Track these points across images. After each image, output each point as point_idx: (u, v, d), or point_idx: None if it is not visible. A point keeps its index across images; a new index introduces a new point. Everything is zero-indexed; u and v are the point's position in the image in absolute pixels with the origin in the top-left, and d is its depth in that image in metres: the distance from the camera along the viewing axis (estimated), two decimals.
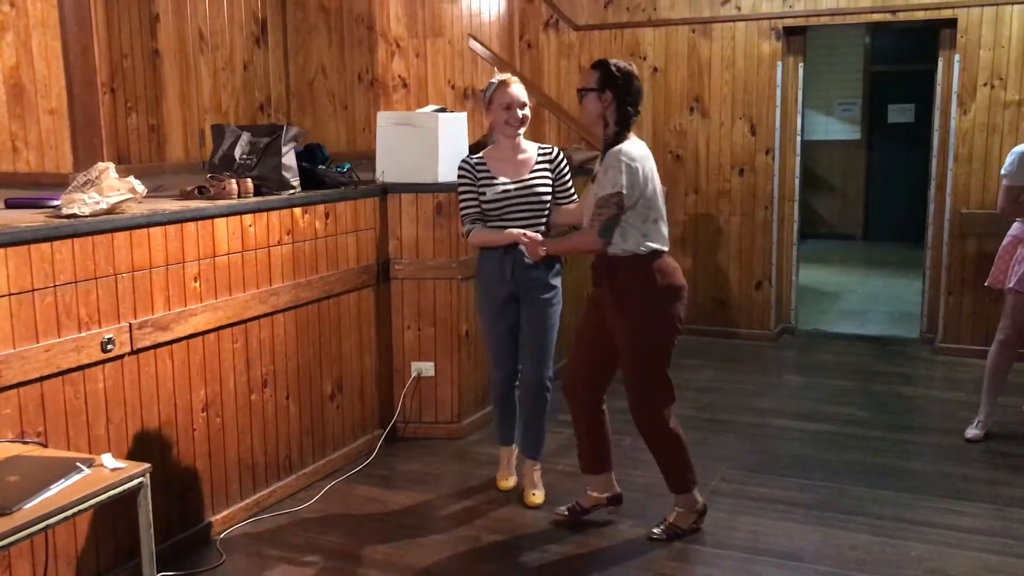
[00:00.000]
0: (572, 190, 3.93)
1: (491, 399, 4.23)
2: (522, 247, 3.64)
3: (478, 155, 3.88)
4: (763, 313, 6.73)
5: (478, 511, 3.89)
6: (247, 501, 3.79)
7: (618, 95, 3.41)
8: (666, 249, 3.47)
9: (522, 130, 3.81)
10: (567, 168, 3.92)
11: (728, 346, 6.56)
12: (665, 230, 3.48)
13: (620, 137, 3.41)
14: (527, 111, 3.79)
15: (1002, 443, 4.58)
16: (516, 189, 3.77)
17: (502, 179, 3.77)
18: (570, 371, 3.76)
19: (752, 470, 4.29)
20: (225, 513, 3.68)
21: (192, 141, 5.47)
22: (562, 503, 3.85)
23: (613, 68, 3.43)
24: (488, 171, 3.79)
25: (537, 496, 3.92)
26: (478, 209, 3.79)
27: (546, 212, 3.84)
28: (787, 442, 4.67)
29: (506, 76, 3.81)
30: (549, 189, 3.84)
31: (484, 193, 3.77)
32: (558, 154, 3.90)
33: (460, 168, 3.84)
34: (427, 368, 4.67)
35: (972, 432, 4.63)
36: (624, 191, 3.32)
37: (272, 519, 3.80)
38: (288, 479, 4.02)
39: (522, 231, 3.64)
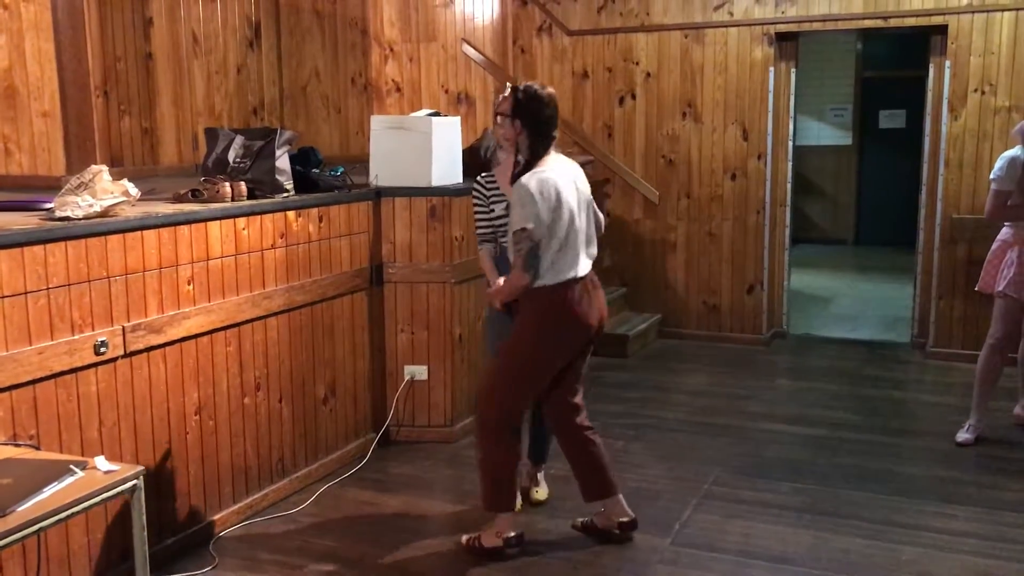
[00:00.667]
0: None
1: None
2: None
3: (489, 172, 3.79)
4: (755, 317, 6.75)
5: (471, 514, 3.88)
6: (240, 504, 3.79)
7: (526, 123, 3.34)
8: (574, 276, 3.34)
9: (505, 143, 3.60)
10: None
11: (720, 350, 6.58)
12: (575, 256, 3.35)
13: (529, 166, 3.34)
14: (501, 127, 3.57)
15: (993, 447, 4.60)
16: None
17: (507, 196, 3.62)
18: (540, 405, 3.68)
19: (744, 473, 4.30)
20: (218, 516, 3.68)
21: (185, 144, 5.48)
22: (560, 510, 3.85)
23: (521, 95, 3.36)
24: (497, 187, 3.68)
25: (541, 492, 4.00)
26: (489, 228, 3.71)
27: None
28: (779, 446, 4.69)
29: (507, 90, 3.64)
30: None
31: (493, 210, 3.67)
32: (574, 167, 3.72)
33: (472, 187, 3.77)
34: (420, 372, 4.67)
35: (963, 436, 4.65)
36: (531, 226, 3.24)
37: (265, 522, 3.80)
38: (281, 482, 4.01)
39: (497, 280, 3.49)
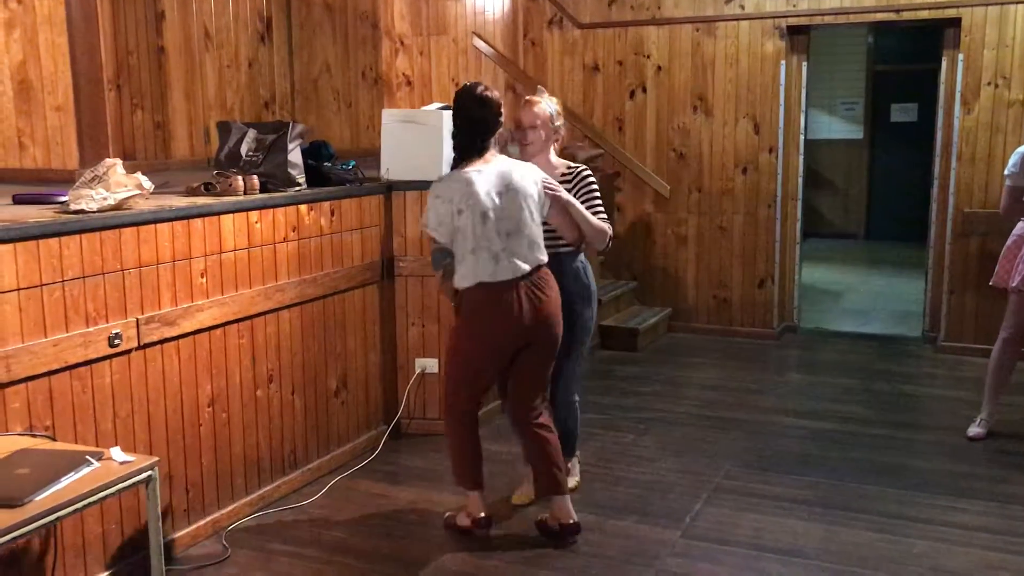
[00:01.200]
0: (598, 204, 3.70)
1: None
2: None
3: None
4: (766, 311, 6.75)
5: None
6: (252, 496, 3.81)
7: (456, 121, 3.44)
8: (491, 280, 3.33)
9: (530, 149, 3.67)
10: (589, 185, 3.72)
11: (731, 344, 6.58)
12: (493, 258, 3.33)
13: (454, 166, 3.44)
14: (537, 133, 3.66)
15: (1005, 441, 4.59)
16: None
17: None
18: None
19: (755, 467, 4.30)
20: (231, 508, 3.70)
21: (197, 138, 5.50)
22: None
23: (454, 97, 3.44)
24: None
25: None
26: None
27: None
28: (790, 440, 4.68)
29: (536, 96, 3.73)
30: None
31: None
32: (580, 172, 3.74)
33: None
34: (431, 365, 4.68)
35: (975, 430, 4.64)
36: (426, 226, 3.40)
37: (277, 514, 3.82)
38: (293, 474, 4.04)
39: None
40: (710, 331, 6.83)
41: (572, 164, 3.80)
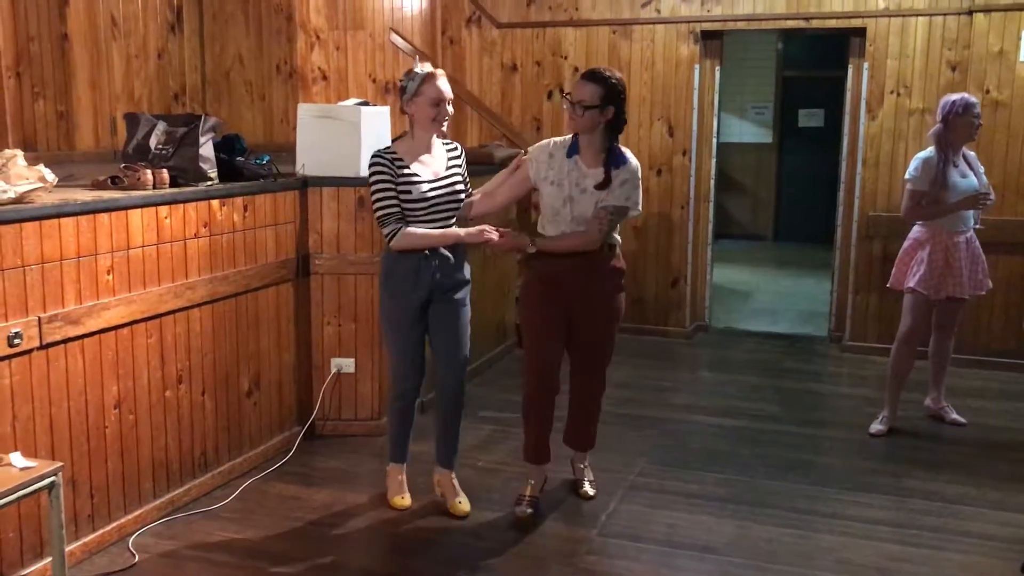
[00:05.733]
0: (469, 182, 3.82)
1: (391, 417, 3.95)
2: (491, 245, 3.59)
3: (390, 149, 3.62)
4: (679, 311, 6.86)
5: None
6: (161, 500, 3.70)
7: (623, 106, 3.66)
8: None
9: (444, 124, 3.61)
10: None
11: (645, 343, 6.67)
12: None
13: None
14: (451, 108, 3.62)
15: (905, 438, 4.76)
16: (443, 187, 3.61)
17: (424, 176, 3.57)
18: (549, 368, 3.77)
19: (669, 464, 4.37)
20: (138, 512, 3.58)
21: (103, 129, 5.31)
22: (487, 502, 3.86)
23: (620, 83, 3.62)
24: (407, 167, 3.54)
25: (464, 503, 3.81)
26: (399, 208, 3.53)
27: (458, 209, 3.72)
28: (703, 437, 4.77)
29: (431, 68, 3.58)
30: (463, 186, 3.72)
31: (409, 192, 3.52)
32: (460, 148, 3.81)
33: (376, 163, 3.54)
34: (347, 364, 4.62)
35: (877, 427, 4.81)
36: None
37: (187, 518, 3.72)
38: (203, 477, 3.93)
39: (483, 228, 3.57)
40: (624, 330, 6.84)
41: (444, 140, 3.77)
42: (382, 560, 3.45)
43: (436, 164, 3.65)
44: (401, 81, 3.61)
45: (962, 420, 4.96)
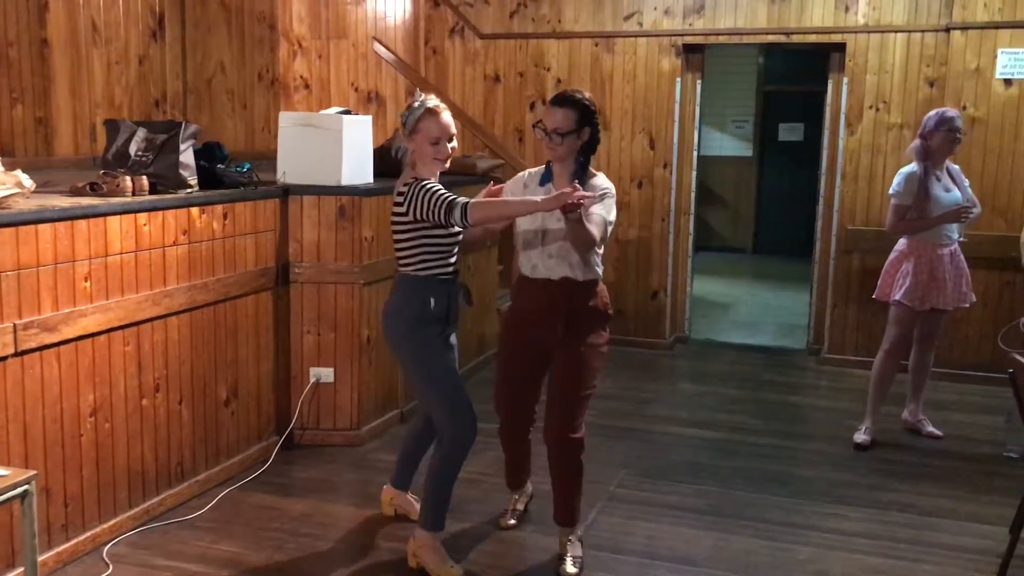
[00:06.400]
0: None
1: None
2: (582, 203, 3.04)
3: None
4: (658, 322, 6.88)
5: (377, 519, 3.85)
6: (136, 510, 3.66)
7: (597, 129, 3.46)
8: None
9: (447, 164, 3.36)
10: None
11: (625, 354, 6.67)
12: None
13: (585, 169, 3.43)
14: (455, 143, 3.35)
15: (885, 450, 4.79)
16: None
17: None
18: (517, 403, 3.67)
19: (648, 476, 4.37)
20: (112, 522, 3.54)
21: (83, 136, 5.26)
22: (467, 513, 3.85)
23: (591, 105, 3.40)
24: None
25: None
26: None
27: None
28: (682, 449, 4.78)
29: (434, 103, 3.30)
30: None
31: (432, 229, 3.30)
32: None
33: (415, 183, 3.23)
34: (326, 374, 4.60)
35: (861, 437, 4.84)
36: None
37: (162, 528, 3.68)
38: (180, 487, 3.89)
39: (563, 191, 3.05)
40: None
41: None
42: (357, 572, 3.42)
43: None
44: (401, 115, 3.37)
45: (939, 433, 5.00)
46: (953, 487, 4.30)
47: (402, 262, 3.36)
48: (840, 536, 3.76)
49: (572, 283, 3.37)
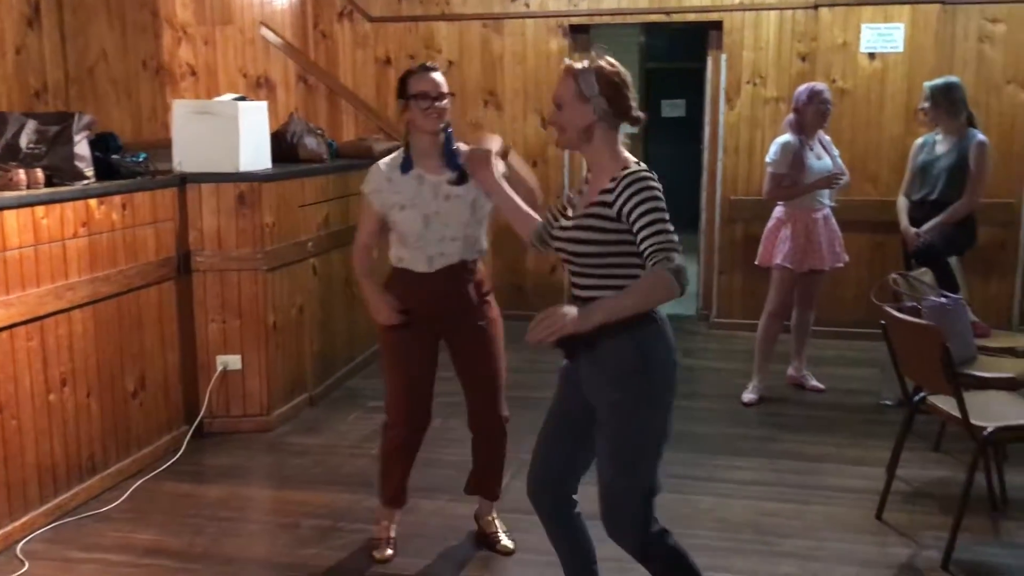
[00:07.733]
0: None
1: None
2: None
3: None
4: (557, 296, 7.06)
5: (294, 499, 3.91)
6: (48, 505, 3.62)
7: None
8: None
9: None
10: None
11: (524, 328, 6.77)
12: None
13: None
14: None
15: (773, 405, 5.10)
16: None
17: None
18: (419, 400, 3.52)
19: None
20: (25, 519, 3.51)
21: None
22: None
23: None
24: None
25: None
26: None
27: None
28: None
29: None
30: None
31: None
32: None
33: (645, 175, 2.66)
34: (233, 361, 4.61)
35: (749, 396, 5.13)
36: None
37: (77, 522, 3.66)
38: (92, 480, 3.87)
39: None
40: (506, 316, 7.01)
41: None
42: (280, 551, 3.48)
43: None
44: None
45: (821, 386, 5.35)
46: (836, 435, 4.63)
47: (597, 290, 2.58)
48: (737, 485, 4.02)
49: (465, 264, 3.31)
